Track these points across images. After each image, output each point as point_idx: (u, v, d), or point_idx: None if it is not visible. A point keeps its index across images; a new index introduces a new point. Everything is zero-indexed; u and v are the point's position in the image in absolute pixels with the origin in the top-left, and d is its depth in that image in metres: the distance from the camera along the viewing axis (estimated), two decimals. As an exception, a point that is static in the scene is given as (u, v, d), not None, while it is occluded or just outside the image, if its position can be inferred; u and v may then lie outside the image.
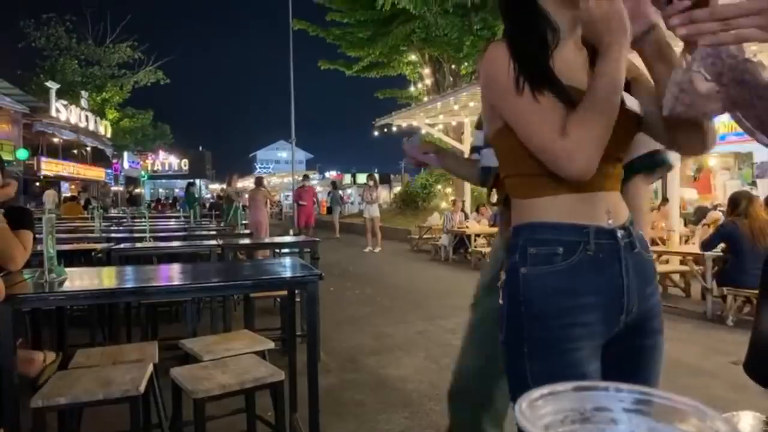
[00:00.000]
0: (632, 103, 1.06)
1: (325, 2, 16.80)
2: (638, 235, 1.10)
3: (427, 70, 16.31)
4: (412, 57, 16.64)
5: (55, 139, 20.99)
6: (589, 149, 0.97)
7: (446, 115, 12.83)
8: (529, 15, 1.09)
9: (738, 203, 4.92)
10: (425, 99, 14.55)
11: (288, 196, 25.20)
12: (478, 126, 1.65)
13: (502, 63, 1.03)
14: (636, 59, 1.11)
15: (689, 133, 1.05)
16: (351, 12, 16.32)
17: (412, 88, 17.68)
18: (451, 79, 15.70)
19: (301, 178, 15.91)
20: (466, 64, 15.52)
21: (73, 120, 20.47)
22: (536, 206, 1.07)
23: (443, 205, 14.96)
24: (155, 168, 39.89)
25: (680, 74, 0.89)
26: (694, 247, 5.91)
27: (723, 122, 10.61)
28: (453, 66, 15.87)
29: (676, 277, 6.49)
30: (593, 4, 0.99)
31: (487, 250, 8.77)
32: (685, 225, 8.01)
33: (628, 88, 1.09)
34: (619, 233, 1.06)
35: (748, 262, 4.68)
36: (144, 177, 36.34)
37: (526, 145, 1.03)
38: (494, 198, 1.34)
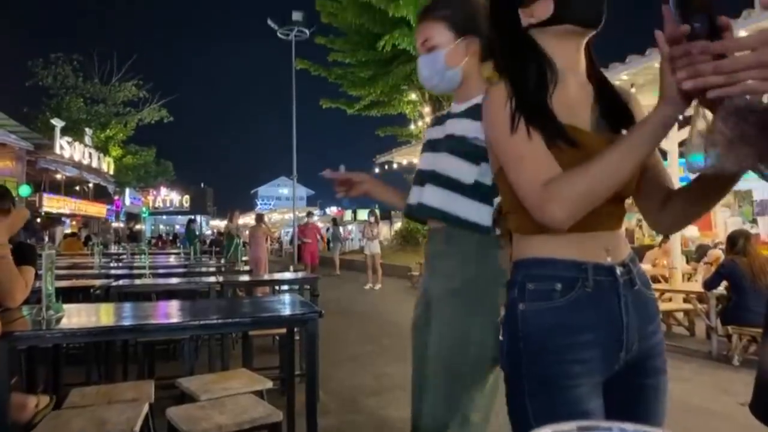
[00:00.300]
0: None
1: (327, 43, 17.20)
2: (639, 272, 1.09)
3: (427, 109, 16.55)
4: (413, 96, 16.92)
5: (58, 176, 21.14)
6: (569, 206, 0.94)
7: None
8: (524, 53, 1.09)
9: (736, 242, 4.93)
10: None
11: (288, 232, 25.20)
12: (416, 182, 1.56)
13: (499, 104, 1.04)
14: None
15: (678, 210, 1.09)
16: (352, 53, 16.69)
17: (412, 126, 17.91)
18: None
19: (304, 215, 15.53)
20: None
21: (77, 157, 20.68)
22: (535, 242, 1.06)
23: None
24: (156, 204, 40.07)
25: (706, 132, 0.83)
26: (696, 285, 5.87)
27: (721, 160, 10.66)
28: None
29: (680, 316, 6.42)
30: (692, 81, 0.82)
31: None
32: (687, 262, 7.98)
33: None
34: (618, 270, 1.05)
35: (750, 300, 4.65)
36: (145, 213, 36.45)
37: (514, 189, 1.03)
38: (498, 231, 1.33)
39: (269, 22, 18.75)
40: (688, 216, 1.11)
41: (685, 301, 6.15)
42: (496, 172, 1.12)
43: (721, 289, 5.05)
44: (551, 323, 1.02)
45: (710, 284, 5.08)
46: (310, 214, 14.89)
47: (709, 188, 1.03)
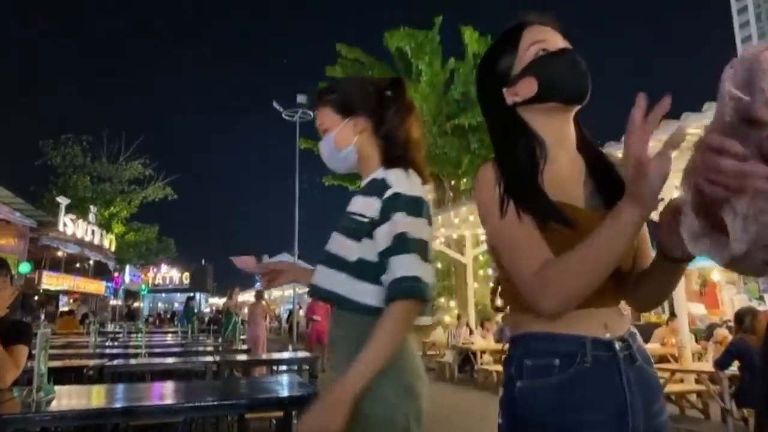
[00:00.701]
0: None
1: (330, 124, 17.77)
2: (639, 348, 1.05)
3: (427, 186, 16.81)
4: (413, 174, 17.24)
5: (59, 253, 21.17)
6: (564, 294, 0.93)
7: (447, 228, 13.02)
8: (512, 132, 1.09)
9: (743, 320, 4.86)
10: (426, 214, 14.84)
11: (288, 309, 24.85)
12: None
13: (488, 185, 1.04)
14: None
15: (653, 290, 1.07)
16: (355, 133, 17.21)
17: (413, 203, 18.12)
18: (451, 194, 16.16)
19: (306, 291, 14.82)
20: (465, 180, 16.05)
21: (80, 234, 20.81)
22: (532, 317, 1.02)
23: (447, 319, 14.68)
24: (156, 282, 39.85)
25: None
26: (708, 365, 5.70)
27: (721, 236, 10.70)
28: (453, 182, 16.41)
29: (693, 398, 6.19)
30: (658, 163, 0.85)
31: (495, 368, 8.46)
32: (697, 341, 7.80)
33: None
34: (617, 345, 1.01)
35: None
36: (144, 291, 36.17)
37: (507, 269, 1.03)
38: (498, 302, 1.26)
39: (275, 104, 19.52)
40: (659, 296, 1.11)
41: (697, 381, 5.95)
42: (490, 248, 1.12)
43: (734, 369, 4.90)
44: (552, 401, 0.97)
45: (721, 364, 4.93)
46: None
47: (672, 270, 1.03)
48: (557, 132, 1.09)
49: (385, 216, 1.34)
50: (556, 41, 1.10)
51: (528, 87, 1.08)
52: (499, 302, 1.24)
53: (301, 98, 19.60)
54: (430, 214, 1.40)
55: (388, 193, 1.35)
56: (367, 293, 1.34)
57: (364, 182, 1.49)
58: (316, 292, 1.44)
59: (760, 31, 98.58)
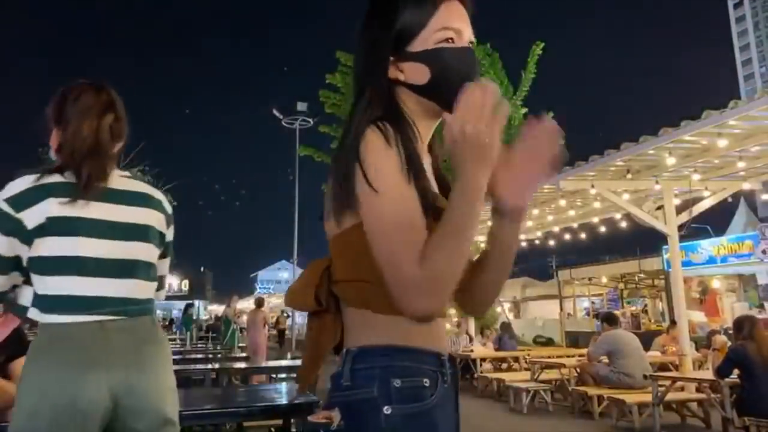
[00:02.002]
0: None
1: (330, 131, 17.82)
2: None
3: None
4: (413, 181, 17.25)
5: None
6: (449, 285, 0.83)
7: (447, 237, 13.03)
8: (394, 102, 0.98)
9: (742, 327, 4.85)
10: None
11: (289, 316, 24.80)
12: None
13: (382, 147, 0.86)
14: None
15: (482, 303, 1.04)
16: (354, 140, 17.26)
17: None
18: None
19: None
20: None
21: (79, 240, 20.79)
22: (391, 324, 0.87)
23: (447, 326, 14.62)
24: (155, 288, 39.69)
25: None
26: (708, 373, 5.68)
27: (722, 244, 10.73)
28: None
29: (694, 406, 6.16)
30: (470, 128, 0.84)
31: (495, 375, 8.44)
32: (697, 349, 7.77)
33: None
34: (454, 361, 0.98)
35: (763, 388, 4.48)
36: (143, 297, 36.01)
37: (376, 261, 0.85)
38: (302, 300, 0.96)
39: (274, 111, 19.58)
40: (488, 289, 1.01)
41: (698, 390, 5.92)
42: (353, 226, 0.89)
43: (734, 376, 4.88)
44: (424, 428, 0.85)
45: (722, 371, 4.91)
46: None
47: (497, 250, 0.97)
48: (424, 129, 1.00)
49: None
50: (466, 34, 0.99)
51: (418, 74, 0.96)
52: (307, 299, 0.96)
53: (301, 106, 19.65)
54: (12, 218, 1.42)
55: None
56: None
57: None
58: None
59: (758, 40, 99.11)
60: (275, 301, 32.29)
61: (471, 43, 1.00)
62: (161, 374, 1.48)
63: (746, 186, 6.94)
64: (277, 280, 77.06)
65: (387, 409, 0.83)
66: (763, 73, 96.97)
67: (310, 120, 19.43)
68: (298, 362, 6.36)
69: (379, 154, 0.85)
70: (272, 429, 4.22)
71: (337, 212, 0.90)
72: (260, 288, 65.57)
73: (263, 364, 6.25)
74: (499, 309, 16.36)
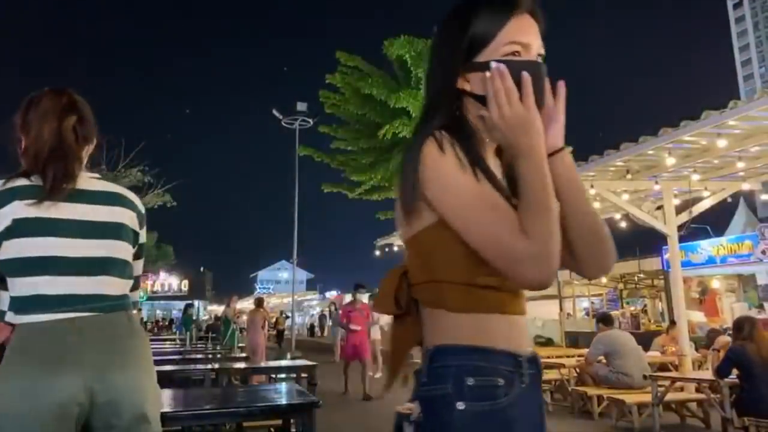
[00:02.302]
0: None
1: (330, 132, 17.83)
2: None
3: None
4: (413, 181, 17.24)
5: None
6: (556, 252, 0.88)
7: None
8: (459, 109, 1.03)
9: (741, 328, 4.85)
10: (425, 221, 14.85)
11: (288, 317, 24.79)
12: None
13: (439, 154, 0.93)
14: None
15: (598, 247, 1.02)
16: (354, 141, 17.26)
17: (412, 211, 18.13)
18: (451, 202, 16.14)
19: (350, 296, 10.49)
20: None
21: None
22: (468, 324, 0.93)
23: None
24: (155, 289, 39.74)
25: None
26: (708, 373, 5.68)
27: (722, 244, 10.73)
28: (452, 190, 16.41)
29: (694, 407, 6.16)
30: (506, 110, 0.92)
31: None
32: (697, 350, 7.78)
33: None
34: (539, 360, 0.99)
35: (763, 388, 4.48)
36: (143, 298, 36.10)
37: (475, 247, 0.90)
38: (385, 305, 1.03)
39: (274, 112, 19.57)
40: (591, 238, 1.01)
41: (698, 390, 5.93)
42: (423, 230, 0.96)
43: (733, 377, 4.88)
44: (497, 427, 0.89)
45: (721, 371, 4.91)
46: (358, 288, 9.38)
47: (564, 192, 0.99)
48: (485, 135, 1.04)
49: None
50: (534, 48, 1.02)
51: (482, 85, 0.99)
52: (385, 305, 1.04)
53: (300, 106, 19.64)
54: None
55: None
56: None
57: None
58: None
59: (758, 40, 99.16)
60: (275, 301, 32.28)
61: (540, 56, 1.03)
62: (138, 369, 1.48)
63: (746, 186, 6.94)
64: (277, 280, 77.04)
65: (460, 405, 0.88)
66: (762, 74, 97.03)
67: (310, 120, 19.41)
68: (298, 362, 6.36)
69: (437, 159, 0.93)
70: (272, 429, 4.22)
71: (406, 218, 0.98)
72: (260, 288, 65.56)
73: (263, 364, 6.25)
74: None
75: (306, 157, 18.74)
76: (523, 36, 1.00)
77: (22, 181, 1.48)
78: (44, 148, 1.52)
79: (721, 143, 5.59)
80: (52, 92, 1.61)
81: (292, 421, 2.82)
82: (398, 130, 14.77)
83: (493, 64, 0.94)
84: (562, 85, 1.02)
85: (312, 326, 30.49)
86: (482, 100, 0.98)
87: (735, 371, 4.85)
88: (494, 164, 1.03)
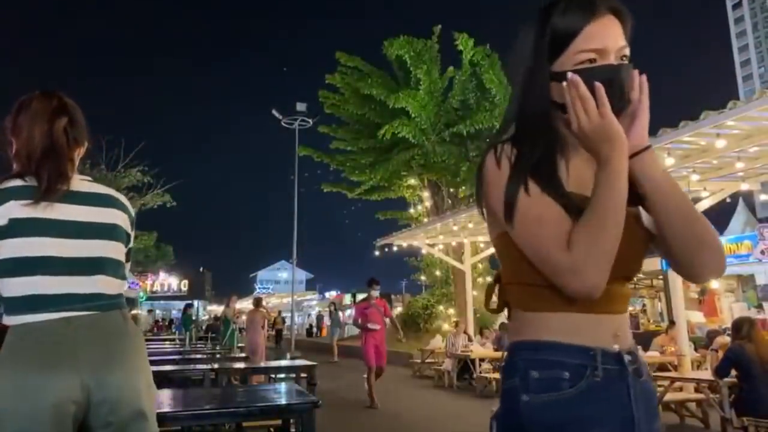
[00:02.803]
0: (648, 221, 1.02)
1: (329, 132, 17.83)
2: (644, 362, 1.02)
3: (426, 194, 16.87)
4: (412, 181, 17.30)
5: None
6: (598, 265, 0.89)
7: (446, 236, 13.03)
8: (541, 120, 1.03)
9: (740, 328, 4.86)
10: (425, 220, 14.88)
11: (286, 317, 24.78)
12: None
13: (496, 168, 0.99)
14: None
15: (701, 253, 0.97)
16: (354, 141, 17.28)
17: (411, 210, 18.17)
18: (450, 201, 16.18)
19: (366, 294, 8.21)
20: (463, 187, 16.08)
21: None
22: (538, 322, 0.98)
23: (445, 326, 14.65)
24: (154, 289, 39.70)
25: None
26: (707, 373, 5.68)
27: (720, 244, 10.72)
28: (451, 189, 16.44)
29: (693, 407, 6.16)
30: (584, 121, 0.95)
31: (494, 376, 8.44)
32: (696, 350, 7.78)
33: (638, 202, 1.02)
34: (626, 358, 0.97)
35: (762, 388, 4.48)
36: (142, 298, 36.06)
37: (527, 255, 0.96)
38: (494, 304, 1.16)
39: (274, 112, 19.57)
40: (692, 241, 0.97)
41: (697, 390, 5.93)
42: (495, 237, 1.06)
43: (732, 377, 4.89)
44: (561, 418, 0.92)
45: (720, 371, 4.92)
46: (373, 284, 7.80)
47: (656, 192, 0.97)
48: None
49: None
50: (611, 50, 0.99)
51: (559, 94, 1.00)
52: (494, 303, 1.15)
53: (300, 106, 19.65)
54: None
55: None
56: None
57: None
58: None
59: (757, 41, 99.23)
60: (275, 301, 32.26)
61: (624, 57, 1.01)
62: (133, 366, 1.49)
63: (745, 187, 6.95)
64: (277, 280, 77.00)
65: (525, 397, 0.94)
66: (761, 74, 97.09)
67: (310, 120, 19.42)
68: (298, 362, 6.36)
69: (493, 173, 1.00)
70: (271, 429, 4.22)
71: (487, 225, 1.08)
72: (260, 288, 65.50)
73: (262, 365, 6.25)
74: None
75: (306, 157, 18.75)
76: (598, 42, 0.99)
77: (16, 182, 1.49)
78: (36, 149, 1.53)
79: (720, 144, 5.59)
80: (42, 95, 1.62)
81: (291, 421, 2.82)
82: (397, 130, 14.77)
83: (569, 75, 0.96)
84: (643, 80, 1.00)
85: (310, 326, 30.51)
86: (563, 108, 1.00)
87: (734, 371, 4.86)
88: (588, 168, 1.00)
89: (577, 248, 0.90)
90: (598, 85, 0.94)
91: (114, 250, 1.58)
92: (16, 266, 1.43)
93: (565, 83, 0.96)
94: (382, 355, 7.65)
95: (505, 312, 1.10)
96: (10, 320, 1.42)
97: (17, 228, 1.43)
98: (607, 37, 0.99)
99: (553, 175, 0.99)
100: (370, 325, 7.58)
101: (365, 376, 7.71)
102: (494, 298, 1.14)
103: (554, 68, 1.01)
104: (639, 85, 0.99)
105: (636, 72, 1.00)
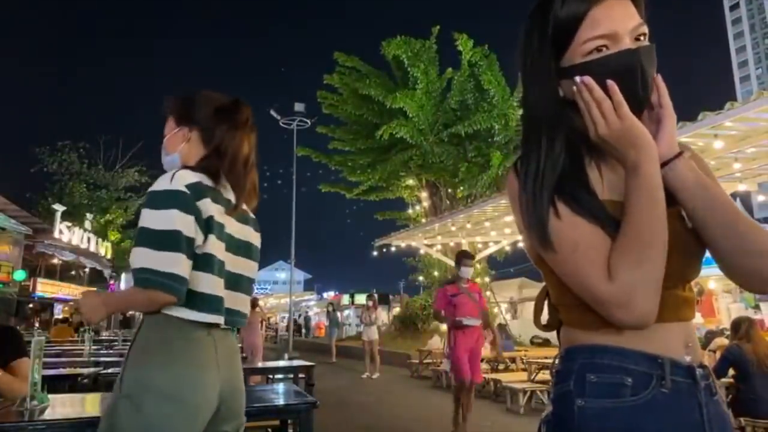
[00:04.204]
0: None
1: (328, 132, 17.83)
2: (714, 378, 0.91)
3: (424, 194, 16.88)
4: (410, 182, 17.31)
5: (55, 260, 21.09)
6: (645, 293, 0.80)
7: (444, 236, 13.05)
8: (558, 123, 0.91)
9: (739, 328, 4.87)
10: (423, 221, 14.89)
11: (284, 317, 24.74)
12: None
13: (529, 186, 0.89)
14: None
15: (753, 259, 0.85)
16: (352, 141, 17.28)
17: (410, 210, 18.18)
18: (448, 202, 16.19)
19: (454, 275, 5.69)
20: (461, 188, 16.10)
21: (75, 241, 20.75)
22: (593, 332, 0.88)
23: (443, 327, 14.65)
24: (152, 289, 39.57)
25: None
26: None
27: (717, 245, 10.74)
28: (449, 190, 16.45)
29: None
30: (602, 126, 0.85)
31: (491, 376, 8.44)
32: (693, 349, 7.78)
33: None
34: (699, 372, 0.86)
35: (759, 388, 4.49)
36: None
37: (567, 285, 0.87)
38: (544, 320, 1.05)
39: (272, 112, 19.57)
40: (741, 248, 0.85)
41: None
42: (535, 259, 0.97)
43: (729, 377, 4.90)
44: (621, 426, 0.82)
45: (719, 371, 4.92)
46: (464, 258, 5.47)
47: (697, 200, 0.87)
48: None
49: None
50: (623, 34, 0.87)
51: (571, 92, 0.90)
52: (545, 319, 1.04)
53: (298, 106, 19.64)
54: (194, 204, 1.43)
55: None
56: None
57: None
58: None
59: (754, 42, 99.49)
60: (272, 302, 32.22)
61: (641, 36, 0.89)
62: (241, 380, 1.58)
63: (742, 187, 6.97)
64: (275, 280, 76.96)
65: (580, 402, 0.85)
66: (759, 75, 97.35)
67: (308, 121, 19.41)
68: (296, 363, 6.36)
69: (516, 198, 0.91)
70: (269, 430, 4.22)
71: (526, 245, 0.98)
72: (258, 288, 65.47)
73: (260, 365, 6.24)
74: (496, 310, 16.38)
75: (304, 157, 18.75)
76: (605, 26, 0.87)
77: (208, 181, 1.49)
78: (240, 160, 1.57)
79: (718, 144, 5.61)
80: (242, 104, 1.64)
81: (289, 421, 2.82)
82: (395, 131, 14.77)
83: (577, 79, 0.86)
84: (659, 81, 0.89)
85: (299, 327, 30.52)
86: (577, 106, 0.89)
87: (731, 371, 4.87)
88: (614, 171, 0.91)
89: (618, 276, 0.80)
90: (610, 83, 0.84)
91: (253, 270, 1.65)
92: (214, 264, 1.45)
93: (574, 87, 0.87)
94: (478, 365, 5.35)
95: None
96: (183, 314, 1.41)
97: (213, 226, 1.45)
98: (615, 19, 0.87)
99: (582, 189, 0.88)
100: (465, 321, 5.12)
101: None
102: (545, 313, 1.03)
103: (563, 64, 0.91)
104: (656, 88, 0.89)
105: (649, 55, 0.87)
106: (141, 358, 1.39)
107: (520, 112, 1.03)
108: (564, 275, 0.87)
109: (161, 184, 1.42)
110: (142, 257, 1.36)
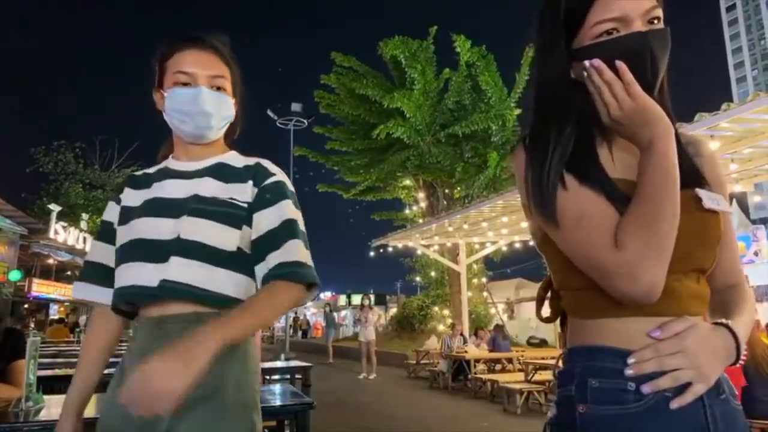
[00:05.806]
0: (711, 201, 0.87)
1: (325, 132, 17.82)
2: (724, 378, 0.87)
3: (421, 194, 16.88)
4: (407, 182, 17.31)
5: (50, 260, 21.02)
6: (652, 261, 0.77)
7: (441, 237, 13.05)
8: (570, 101, 0.91)
9: (737, 328, 4.88)
10: (420, 221, 14.89)
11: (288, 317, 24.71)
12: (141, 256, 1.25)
13: (537, 159, 0.89)
14: None
15: None
16: (349, 141, 17.27)
17: (407, 211, 18.18)
18: (445, 202, 16.20)
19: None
20: (458, 188, 16.11)
21: (71, 241, 20.69)
22: (599, 327, 0.86)
23: (440, 327, 14.66)
24: (148, 289, 39.50)
25: None
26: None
27: (713, 246, 10.77)
28: (446, 190, 16.46)
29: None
30: (614, 108, 0.84)
31: (488, 377, 8.45)
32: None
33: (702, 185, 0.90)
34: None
35: (757, 389, 4.50)
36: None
37: (570, 259, 0.85)
38: (545, 313, 1.03)
39: (269, 112, 19.54)
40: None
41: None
42: (539, 241, 0.95)
43: (726, 377, 4.91)
44: None
45: (715, 373, 4.94)
46: None
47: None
48: None
49: (265, 201, 1.27)
50: (635, 15, 0.86)
51: (581, 72, 0.90)
52: (546, 311, 1.04)
53: (295, 106, 19.62)
54: None
55: (272, 179, 1.30)
56: (235, 285, 1.23)
57: (201, 164, 1.35)
58: (172, 291, 1.18)
59: (750, 43, 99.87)
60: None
61: (655, 20, 0.88)
62: None
63: (738, 188, 6.99)
64: (271, 280, 76.66)
65: (581, 408, 0.83)
66: (755, 76, 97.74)
67: (305, 121, 19.39)
68: (293, 363, 6.35)
69: (523, 171, 0.90)
70: (266, 430, 4.21)
71: (530, 224, 0.97)
72: (254, 289, 65.16)
73: (257, 366, 6.24)
74: (493, 310, 16.40)
75: (301, 157, 18.73)
76: (616, 9, 0.86)
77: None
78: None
79: (714, 145, 5.62)
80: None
81: (286, 422, 2.81)
82: (392, 131, 14.77)
83: (586, 63, 0.86)
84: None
85: (302, 325, 30.51)
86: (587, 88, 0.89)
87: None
88: (633, 148, 0.89)
89: (627, 245, 0.78)
90: (619, 63, 0.83)
91: None
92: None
93: (584, 72, 0.86)
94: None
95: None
96: None
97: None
98: (627, 2, 0.86)
99: (592, 161, 0.88)
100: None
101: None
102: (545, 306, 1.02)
103: (574, 46, 0.91)
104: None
105: (660, 37, 0.87)
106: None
107: (518, 112, 1.03)
108: (569, 249, 0.85)
109: (287, 179, 1.35)
110: (305, 253, 1.25)
